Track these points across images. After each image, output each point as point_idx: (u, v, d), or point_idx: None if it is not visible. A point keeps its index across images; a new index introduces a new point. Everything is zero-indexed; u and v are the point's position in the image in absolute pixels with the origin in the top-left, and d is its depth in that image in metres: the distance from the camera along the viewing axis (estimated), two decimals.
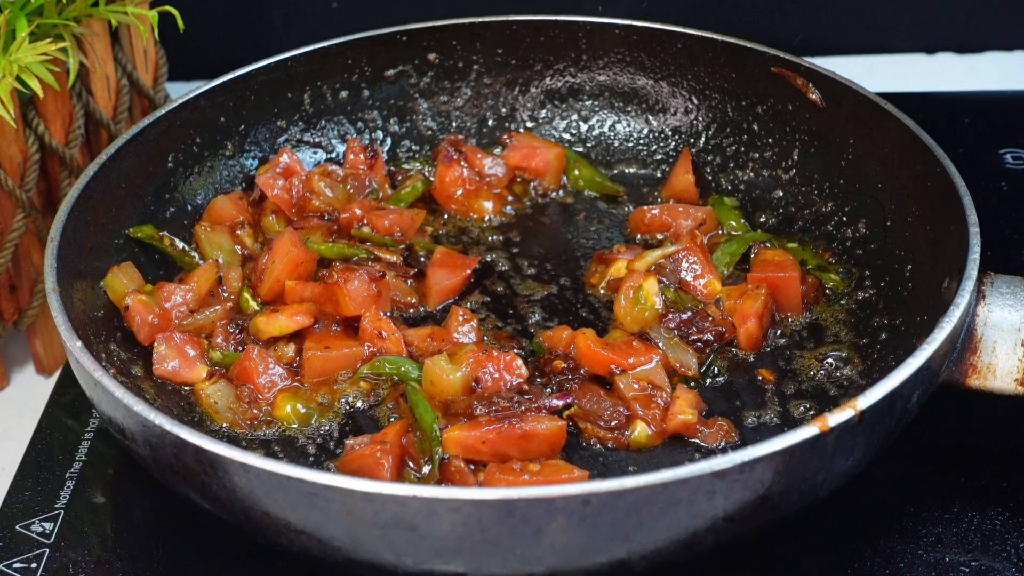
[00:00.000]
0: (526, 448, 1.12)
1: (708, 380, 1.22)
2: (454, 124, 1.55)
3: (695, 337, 1.25)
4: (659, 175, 1.51)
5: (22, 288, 1.38)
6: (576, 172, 1.50)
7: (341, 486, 0.94)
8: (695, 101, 1.51)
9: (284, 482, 0.95)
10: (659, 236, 1.40)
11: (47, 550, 1.14)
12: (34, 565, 1.13)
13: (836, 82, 1.38)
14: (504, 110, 1.56)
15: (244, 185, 1.46)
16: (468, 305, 1.32)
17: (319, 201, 1.42)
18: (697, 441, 1.16)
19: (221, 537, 1.13)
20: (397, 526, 0.94)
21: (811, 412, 1.19)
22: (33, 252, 1.37)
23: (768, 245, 1.36)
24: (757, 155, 1.46)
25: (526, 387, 1.19)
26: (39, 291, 1.37)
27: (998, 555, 1.11)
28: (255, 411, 1.19)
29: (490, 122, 1.56)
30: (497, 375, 1.19)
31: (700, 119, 1.51)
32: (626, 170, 1.53)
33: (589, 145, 1.55)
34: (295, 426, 1.19)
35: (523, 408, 1.16)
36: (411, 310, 1.32)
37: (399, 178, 1.49)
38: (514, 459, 1.12)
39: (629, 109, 1.54)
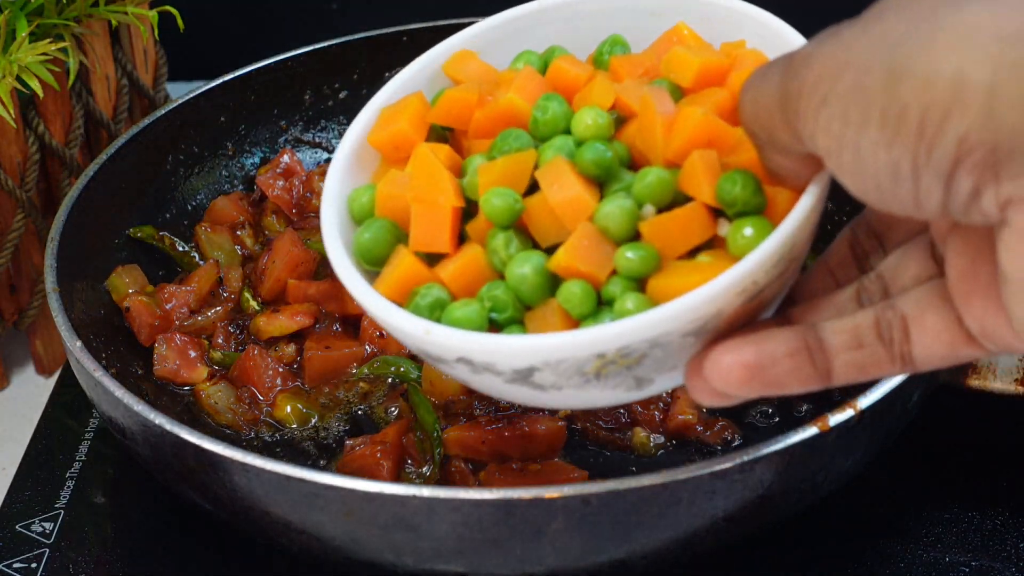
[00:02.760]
0: (526, 448, 1.12)
1: None
2: None
3: None
4: None
5: (22, 288, 1.38)
6: None
7: (341, 486, 0.94)
8: None
9: (284, 482, 0.95)
10: None
11: (47, 550, 1.14)
12: (34, 565, 1.13)
13: None
14: None
15: (244, 185, 1.46)
16: None
17: (320, 201, 1.42)
18: (697, 441, 1.16)
19: (221, 537, 1.13)
20: (397, 526, 0.94)
21: (811, 412, 1.19)
22: (33, 252, 1.37)
23: None
24: None
25: None
26: (39, 291, 1.37)
27: (998, 555, 1.12)
28: (255, 411, 1.20)
29: None
30: None
31: None
32: None
33: None
34: (295, 426, 1.19)
35: (523, 408, 1.16)
36: None
37: None
38: (514, 459, 1.12)
39: None
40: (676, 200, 0.85)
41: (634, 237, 0.84)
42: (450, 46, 1.01)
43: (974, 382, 1.13)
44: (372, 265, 0.91)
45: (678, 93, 0.90)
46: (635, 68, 0.95)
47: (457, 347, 0.84)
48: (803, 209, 0.79)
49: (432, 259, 0.90)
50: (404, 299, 0.88)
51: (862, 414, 0.99)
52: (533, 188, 0.89)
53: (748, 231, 0.81)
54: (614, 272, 0.84)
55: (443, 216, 0.90)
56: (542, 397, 0.87)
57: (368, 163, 0.98)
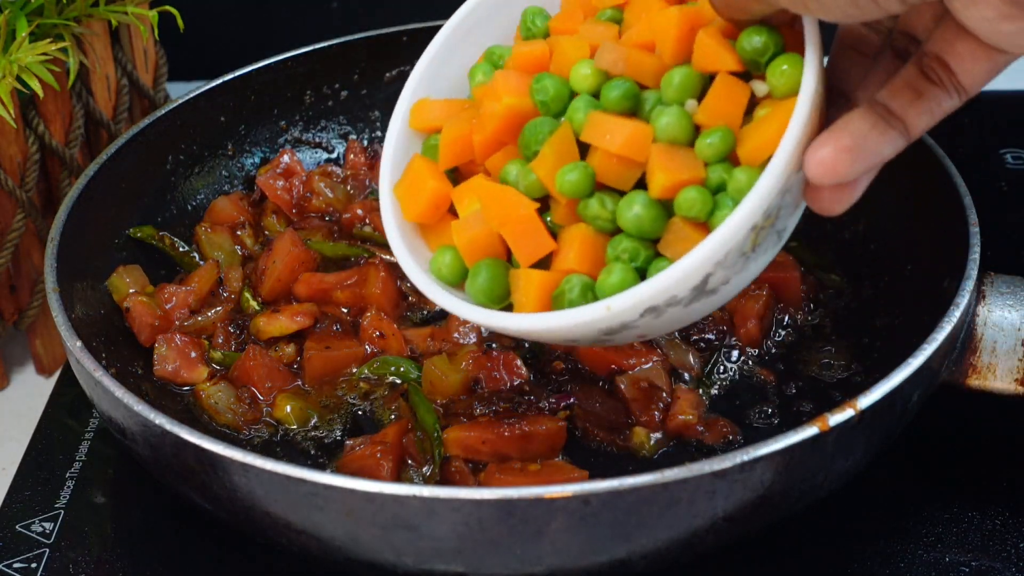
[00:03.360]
0: (526, 448, 1.12)
1: (709, 380, 1.22)
2: None
3: (696, 337, 1.25)
4: None
5: (22, 288, 1.38)
6: None
7: (341, 486, 0.94)
8: None
9: (284, 482, 0.95)
10: None
11: (47, 550, 1.14)
12: (34, 565, 1.13)
13: None
14: None
15: (244, 185, 1.46)
16: None
17: (319, 201, 1.42)
18: (698, 441, 1.16)
19: (221, 537, 1.13)
20: (397, 526, 0.94)
21: (811, 412, 1.19)
22: (33, 252, 1.37)
23: None
24: None
25: (526, 387, 1.19)
26: (39, 291, 1.37)
27: (998, 555, 1.11)
28: (255, 411, 1.19)
29: None
30: (497, 375, 1.19)
31: None
32: None
33: None
34: (295, 426, 1.19)
35: (523, 408, 1.16)
36: (411, 310, 1.32)
37: None
38: (514, 459, 1.12)
39: None
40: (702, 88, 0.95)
41: (695, 132, 0.93)
42: (414, 87, 1.10)
43: (974, 382, 1.13)
44: (498, 303, 1.00)
45: (619, 13, 1.00)
46: (572, 20, 1.02)
47: (642, 303, 0.91)
48: (815, 29, 0.89)
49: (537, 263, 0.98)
50: (549, 307, 0.96)
51: (862, 414, 0.99)
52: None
53: (785, 66, 0.90)
54: (705, 166, 0.93)
55: (534, 223, 0.97)
56: (715, 300, 0.95)
57: (409, 235, 1.05)
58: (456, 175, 1.06)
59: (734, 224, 0.88)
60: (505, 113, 0.99)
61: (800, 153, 0.88)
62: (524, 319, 0.95)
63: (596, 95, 0.97)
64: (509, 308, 1.00)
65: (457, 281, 1.02)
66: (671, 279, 0.90)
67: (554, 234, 0.99)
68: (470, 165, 1.05)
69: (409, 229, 1.05)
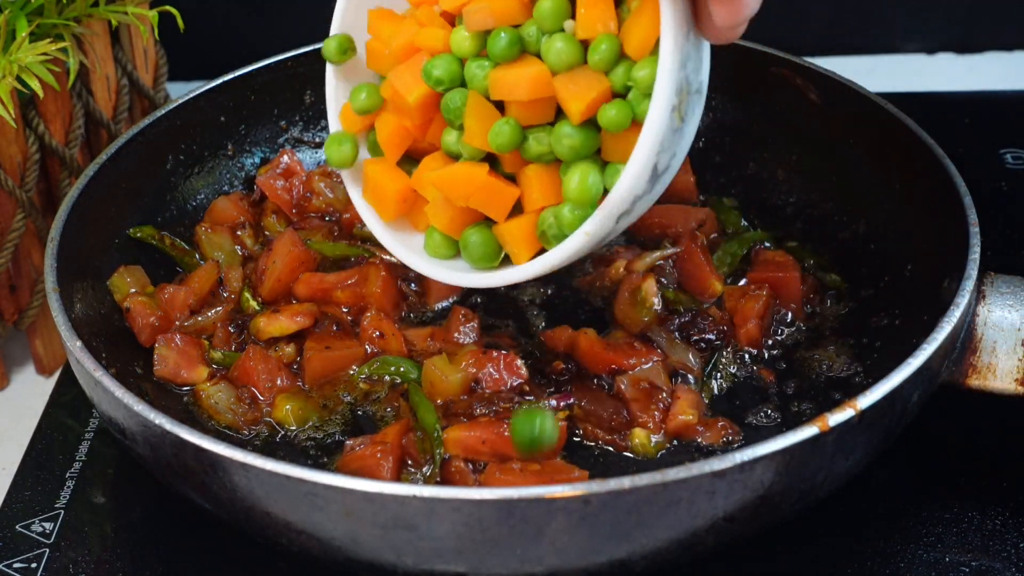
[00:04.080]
0: None
1: (709, 380, 1.22)
2: None
3: (696, 337, 1.25)
4: None
5: (22, 288, 1.38)
6: None
7: (341, 486, 0.94)
8: None
9: (284, 482, 0.95)
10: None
11: (47, 550, 1.14)
12: (34, 565, 1.13)
13: (836, 82, 1.38)
14: None
15: (244, 185, 1.46)
16: (469, 305, 1.32)
17: (319, 201, 1.42)
18: (698, 441, 1.16)
19: (221, 537, 1.13)
20: (397, 526, 0.94)
21: (811, 412, 1.19)
22: (33, 252, 1.37)
23: (768, 245, 1.36)
24: (757, 155, 1.46)
25: (526, 387, 1.19)
26: (39, 291, 1.37)
27: (998, 555, 1.12)
28: (255, 411, 1.19)
29: None
30: (497, 375, 1.19)
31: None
32: None
33: None
34: (295, 426, 1.19)
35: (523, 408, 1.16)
36: (411, 310, 1.32)
37: None
38: (514, 459, 1.12)
39: None
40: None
41: (583, 48, 1.02)
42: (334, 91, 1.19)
43: (974, 382, 1.13)
44: (496, 259, 1.11)
45: None
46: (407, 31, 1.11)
47: (612, 215, 1.02)
48: None
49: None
50: (539, 245, 1.08)
51: (862, 414, 0.99)
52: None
53: None
54: (606, 74, 1.02)
55: (492, 184, 1.08)
56: (669, 175, 1.05)
57: (397, 230, 1.17)
58: (408, 153, 1.15)
59: (655, 119, 0.97)
60: (419, 102, 1.09)
61: (682, 27, 0.96)
62: (525, 269, 1.07)
63: (480, 52, 1.07)
64: (507, 258, 1.11)
65: (454, 253, 1.14)
66: (626, 187, 1.00)
67: (512, 177, 1.09)
68: (415, 144, 1.14)
69: (394, 224, 1.16)
